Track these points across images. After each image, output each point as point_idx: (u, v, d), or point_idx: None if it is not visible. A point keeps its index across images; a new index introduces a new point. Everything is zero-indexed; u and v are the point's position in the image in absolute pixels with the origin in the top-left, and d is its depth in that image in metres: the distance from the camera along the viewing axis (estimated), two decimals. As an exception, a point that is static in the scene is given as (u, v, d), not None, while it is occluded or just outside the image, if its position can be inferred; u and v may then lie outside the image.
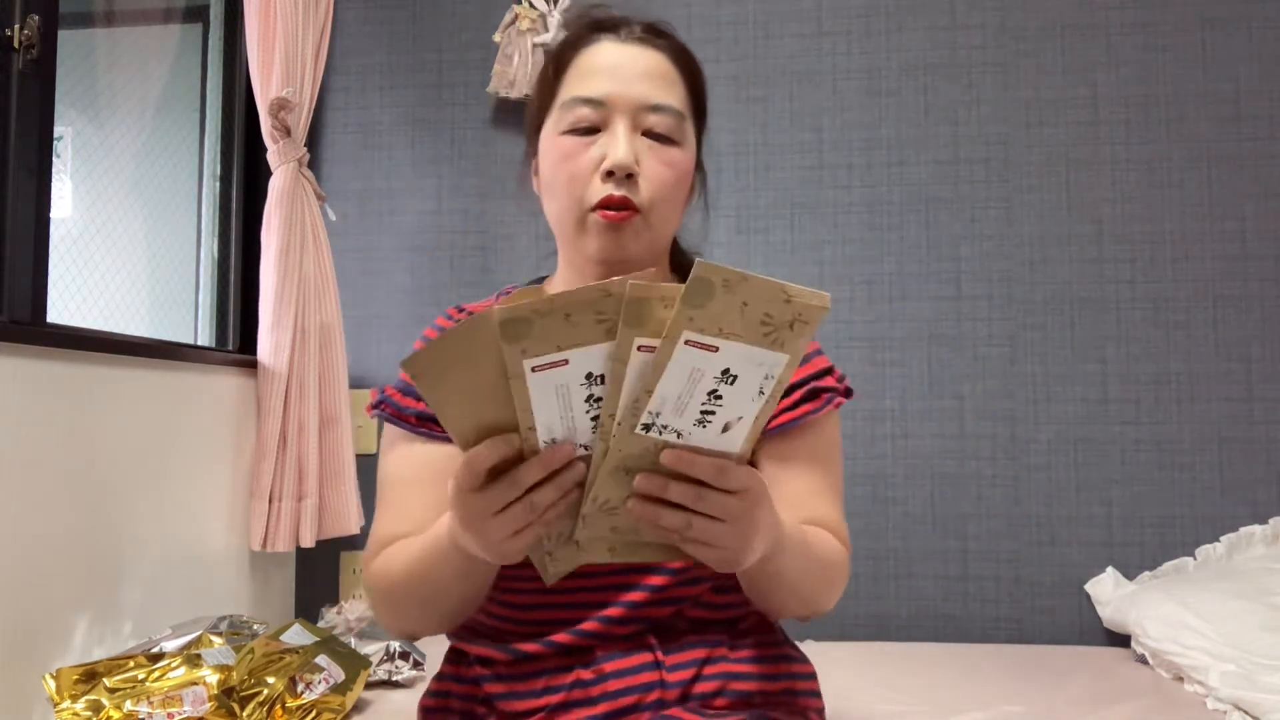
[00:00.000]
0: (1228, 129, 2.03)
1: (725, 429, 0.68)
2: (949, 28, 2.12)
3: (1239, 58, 2.04)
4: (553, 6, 2.16)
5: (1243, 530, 1.93)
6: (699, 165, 0.99)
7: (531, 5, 2.16)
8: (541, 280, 1.04)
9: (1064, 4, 2.09)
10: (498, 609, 0.90)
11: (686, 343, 0.63)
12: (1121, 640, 1.84)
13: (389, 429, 0.95)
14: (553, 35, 2.13)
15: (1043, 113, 2.08)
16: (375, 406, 0.95)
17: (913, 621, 2.03)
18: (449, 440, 0.91)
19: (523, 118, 2.21)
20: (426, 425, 0.92)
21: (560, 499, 0.68)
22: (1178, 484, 1.99)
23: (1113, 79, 2.07)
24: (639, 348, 0.63)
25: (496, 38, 2.17)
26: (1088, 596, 1.96)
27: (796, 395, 0.92)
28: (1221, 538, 1.93)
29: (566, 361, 0.64)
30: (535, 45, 2.15)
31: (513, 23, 2.16)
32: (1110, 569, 1.96)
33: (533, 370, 0.64)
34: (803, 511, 0.90)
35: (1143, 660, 1.73)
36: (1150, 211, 2.04)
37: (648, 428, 0.66)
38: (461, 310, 1.01)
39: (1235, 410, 1.99)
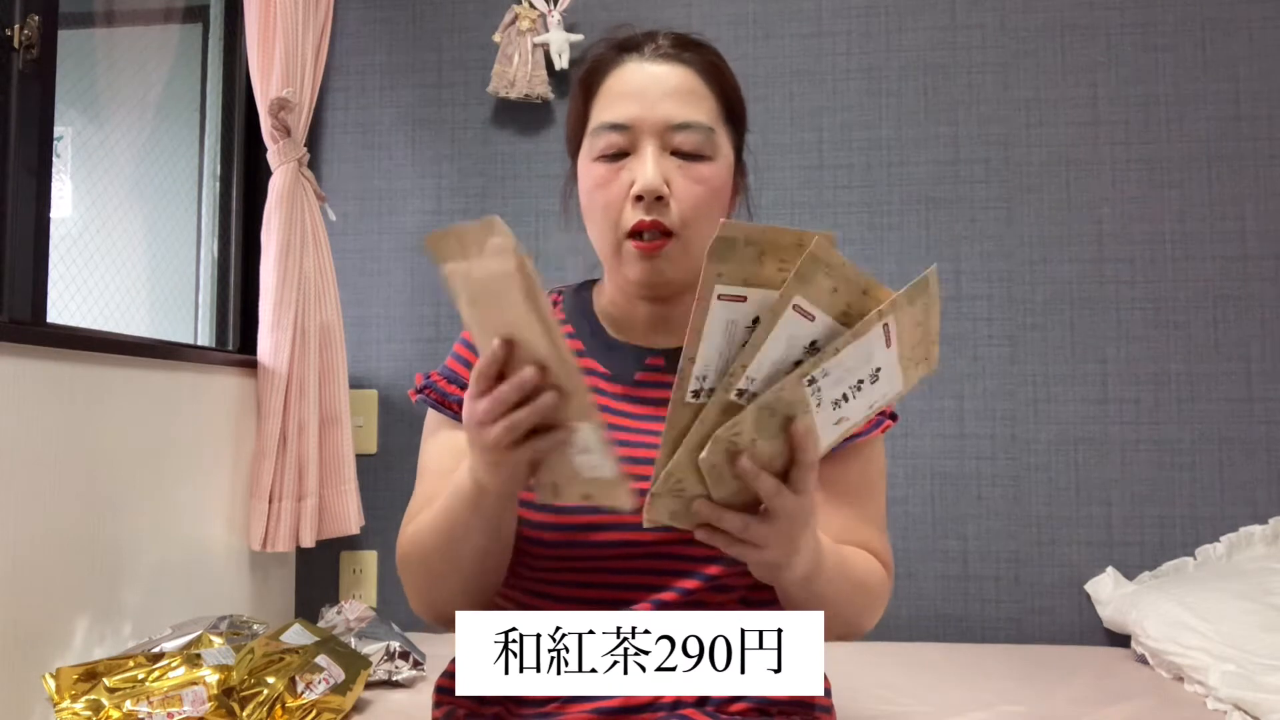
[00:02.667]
0: (1228, 129, 2.03)
1: (838, 423, 0.69)
2: (949, 28, 2.12)
3: (1239, 58, 2.04)
4: (553, 6, 2.16)
5: (1243, 530, 1.93)
6: (741, 170, 0.99)
7: (531, 5, 2.16)
8: (592, 284, 1.04)
9: (1064, 4, 2.09)
10: (534, 600, 0.91)
11: (884, 325, 0.65)
12: (1121, 640, 1.84)
13: (431, 414, 0.96)
14: (553, 35, 2.14)
15: (1043, 113, 2.08)
16: (420, 391, 0.96)
17: (913, 621, 2.03)
18: None
19: (522, 117, 2.22)
20: None
21: (543, 426, 0.70)
22: (1178, 484, 1.99)
23: (1113, 79, 2.07)
24: (794, 307, 0.64)
25: (496, 38, 2.17)
26: (1088, 596, 1.96)
27: None
28: (1221, 538, 1.93)
29: (745, 298, 0.65)
30: (535, 45, 2.15)
31: (513, 23, 2.16)
32: (1110, 569, 1.96)
33: (718, 298, 0.64)
34: (850, 537, 0.91)
35: (1143, 660, 1.73)
36: (1150, 211, 2.04)
37: (812, 381, 0.66)
38: None
39: (1235, 410, 1.99)
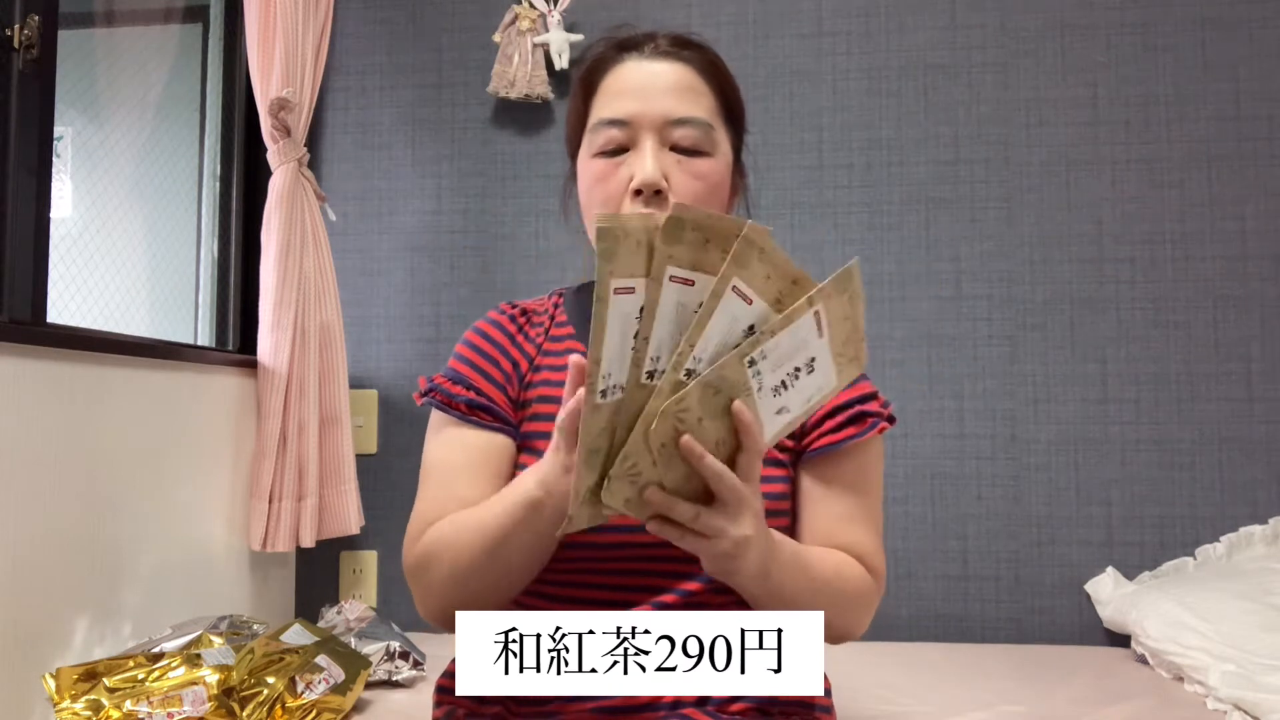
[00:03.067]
0: (1228, 129, 2.03)
1: (779, 412, 0.71)
2: (949, 28, 2.12)
3: (1239, 58, 2.04)
4: (553, 6, 2.16)
5: (1243, 530, 1.93)
6: (740, 171, 1.00)
7: (531, 5, 2.16)
8: (593, 284, 1.04)
9: (1064, 4, 2.09)
10: (538, 601, 0.91)
11: (815, 312, 0.68)
12: (1121, 640, 1.84)
13: (436, 415, 0.96)
14: (553, 35, 2.14)
15: (1043, 113, 2.08)
16: (425, 394, 0.96)
17: (913, 621, 2.03)
18: (496, 429, 0.94)
19: (522, 117, 2.22)
20: (476, 414, 0.93)
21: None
22: (1178, 484, 1.99)
23: (1113, 79, 2.07)
24: (733, 288, 0.66)
25: (496, 38, 2.17)
26: (1088, 596, 1.96)
27: (840, 418, 0.93)
28: (1221, 538, 1.93)
29: (693, 282, 0.67)
30: (535, 45, 2.15)
31: (513, 23, 2.16)
32: (1110, 569, 1.96)
33: (670, 279, 0.66)
34: (836, 537, 0.90)
35: (1143, 660, 1.73)
36: (1150, 211, 2.04)
37: (752, 363, 0.67)
38: (514, 305, 1.02)
39: (1235, 410, 1.99)
